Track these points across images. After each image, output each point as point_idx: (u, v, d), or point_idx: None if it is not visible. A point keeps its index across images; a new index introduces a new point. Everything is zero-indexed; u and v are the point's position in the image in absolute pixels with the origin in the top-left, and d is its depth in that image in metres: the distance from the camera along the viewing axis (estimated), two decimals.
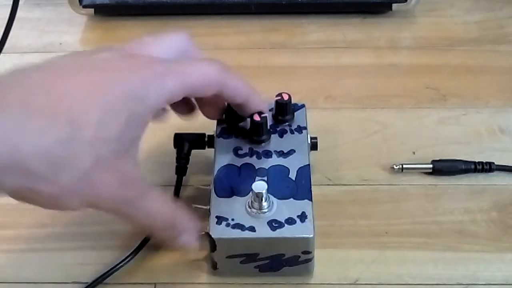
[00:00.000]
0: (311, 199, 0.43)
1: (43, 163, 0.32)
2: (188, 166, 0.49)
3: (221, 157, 0.46)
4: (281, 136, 0.48)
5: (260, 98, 0.44)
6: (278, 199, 0.43)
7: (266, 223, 0.42)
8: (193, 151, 0.50)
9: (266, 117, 0.46)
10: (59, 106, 0.32)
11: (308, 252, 0.43)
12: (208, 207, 0.43)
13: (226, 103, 0.46)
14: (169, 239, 0.42)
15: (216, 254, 0.43)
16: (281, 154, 0.46)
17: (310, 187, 0.44)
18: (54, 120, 0.32)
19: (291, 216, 0.42)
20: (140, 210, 0.38)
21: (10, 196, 0.34)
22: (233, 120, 0.47)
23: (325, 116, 0.57)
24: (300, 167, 0.45)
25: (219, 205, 0.43)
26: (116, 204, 0.37)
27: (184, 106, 0.44)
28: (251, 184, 0.42)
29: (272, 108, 0.49)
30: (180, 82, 0.37)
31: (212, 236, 0.41)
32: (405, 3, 0.66)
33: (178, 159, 0.49)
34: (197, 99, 0.44)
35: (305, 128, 0.48)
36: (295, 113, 0.49)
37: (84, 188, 0.34)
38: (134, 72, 0.35)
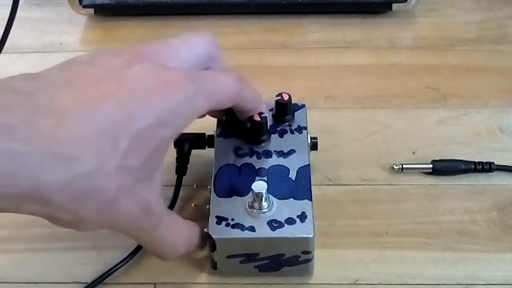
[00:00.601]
0: (311, 199, 0.43)
1: (65, 195, 0.31)
2: (188, 166, 0.49)
3: (221, 157, 0.46)
4: (281, 136, 0.48)
5: (264, 107, 0.45)
6: (278, 199, 0.43)
7: (266, 223, 0.42)
8: (193, 151, 0.50)
9: (266, 117, 0.46)
10: (88, 136, 0.31)
11: (308, 252, 0.43)
12: (208, 207, 0.43)
13: None
14: (176, 255, 0.41)
15: (216, 254, 0.43)
16: (281, 154, 0.46)
17: (310, 187, 0.44)
18: (82, 151, 0.31)
19: (291, 216, 0.42)
20: (157, 236, 0.38)
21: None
22: (233, 120, 0.47)
23: (325, 116, 0.57)
24: (300, 167, 0.45)
25: (219, 205, 0.43)
26: (131, 231, 0.37)
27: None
28: (251, 184, 0.42)
29: (272, 108, 0.49)
30: (208, 101, 0.37)
31: (212, 236, 0.41)
32: (405, 3, 0.66)
33: (178, 159, 0.49)
34: None
35: (305, 128, 0.48)
36: (295, 113, 0.49)
37: (102, 218, 0.33)
38: (167, 96, 0.34)
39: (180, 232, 0.41)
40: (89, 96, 0.32)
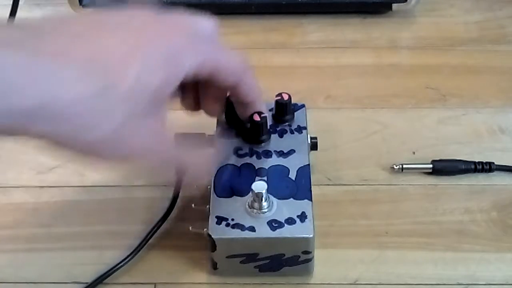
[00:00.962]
0: (311, 199, 0.43)
1: (83, 112, 0.32)
2: None
3: (221, 157, 0.46)
4: (281, 136, 0.48)
5: (264, 106, 0.45)
6: (278, 199, 0.43)
7: (266, 223, 0.42)
8: None
9: (266, 117, 0.46)
10: (99, 57, 0.32)
11: (308, 252, 0.43)
12: (208, 207, 0.43)
13: (225, 102, 0.45)
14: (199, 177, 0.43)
15: (216, 254, 0.43)
16: (281, 154, 0.46)
17: (310, 187, 0.44)
18: (94, 70, 0.32)
19: (291, 216, 0.42)
20: (170, 161, 0.39)
21: (42, 142, 0.33)
22: (233, 120, 0.47)
23: (325, 116, 0.57)
24: (300, 167, 0.45)
25: (219, 205, 0.43)
26: (147, 157, 0.37)
27: (193, 98, 0.44)
28: (251, 184, 0.42)
29: (272, 108, 0.49)
30: (211, 56, 0.38)
31: (212, 236, 0.41)
32: (405, 3, 0.66)
33: None
34: (200, 92, 0.44)
35: (305, 128, 0.48)
36: (295, 113, 0.49)
37: (118, 139, 0.34)
38: (174, 36, 0.36)
39: (196, 157, 0.42)
40: (99, 26, 0.34)
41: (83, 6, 0.67)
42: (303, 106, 0.50)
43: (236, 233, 0.41)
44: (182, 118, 0.54)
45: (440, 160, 0.52)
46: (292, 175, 0.45)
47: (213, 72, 0.38)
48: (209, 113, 0.45)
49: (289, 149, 0.47)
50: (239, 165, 0.46)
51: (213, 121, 0.48)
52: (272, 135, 0.47)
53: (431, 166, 0.51)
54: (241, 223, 0.42)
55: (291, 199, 0.43)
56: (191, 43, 0.37)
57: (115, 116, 0.33)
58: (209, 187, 0.45)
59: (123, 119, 0.33)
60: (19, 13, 0.57)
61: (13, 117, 0.30)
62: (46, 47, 0.31)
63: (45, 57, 0.31)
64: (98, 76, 0.32)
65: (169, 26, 0.37)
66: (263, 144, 0.47)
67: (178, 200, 0.48)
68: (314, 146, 0.48)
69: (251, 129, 0.47)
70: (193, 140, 0.45)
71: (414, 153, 0.53)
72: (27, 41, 0.31)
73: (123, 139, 0.34)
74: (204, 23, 0.40)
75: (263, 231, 0.41)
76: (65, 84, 0.31)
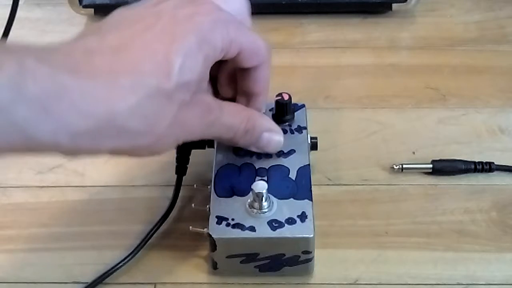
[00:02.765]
0: (311, 199, 0.43)
1: (137, 118, 0.34)
2: (188, 166, 0.49)
3: (221, 157, 0.46)
4: None
5: (264, 104, 0.45)
6: (278, 199, 0.43)
7: (266, 223, 0.42)
8: (193, 151, 0.50)
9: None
10: (143, 62, 0.34)
11: (308, 252, 0.43)
12: (208, 207, 0.43)
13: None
14: (254, 142, 0.43)
15: (216, 254, 0.43)
16: (281, 154, 0.46)
17: (310, 187, 0.44)
18: (141, 76, 0.34)
19: (291, 216, 0.42)
20: (223, 126, 0.40)
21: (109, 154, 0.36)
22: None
23: (325, 116, 0.57)
24: (300, 167, 0.45)
25: (219, 205, 0.43)
26: (203, 131, 0.39)
27: (231, 85, 0.44)
28: (251, 184, 0.42)
29: (272, 108, 0.49)
30: (240, 34, 0.39)
31: (212, 236, 0.41)
32: (405, 3, 0.66)
33: (178, 159, 0.49)
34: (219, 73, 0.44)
35: (305, 128, 0.48)
36: (295, 113, 0.49)
37: (176, 130, 0.36)
38: (203, 17, 0.37)
39: (241, 111, 0.42)
40: (135, 30, 0.35)
41: (83, 6, 0.67)
42: (303, 106, 0.50)
43: (236, 233, 0.41)
44: None
45: (440, 160, 0.52)
46: (292, 175, 0.45)
47: (242, 52, 0.39)
48: (226, 95, 0.45)
49: (289, 149, 0.47)
50: (239, 165, 0.46)
51: None
52: None
53: (431, 166, 0.51)
54: (241, 223, 0.42)
55: (291, 199, 0.43)
56: (220, 19, 0.38)
57: (168, 113, 0.35)
58: (209, 187, 0.45)
59: (175, 114, 0.35)
60: (19, 13, 0.57)
61: (87, 137, 0.33)
62: (97, 65, 0.33)
63: (98, 76, 0.33)
64: (146, 82, 0.34)
65: (198, 6, 0.38)
66: None
67: (178, 200, 0.48)
68: (314, 146, 0.48)
69: None
70: None
71: (414, 153, 0.53)
72: (81, 65, 0.33)
73: (178, 127, 0.36)
74: (235, 2, 0.41)
75: (263, 231, 0.41)
76: (120, 100, 0.33)
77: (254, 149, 0.45)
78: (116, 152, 0.36)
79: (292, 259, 0.43)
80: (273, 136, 0.44)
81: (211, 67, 0.39)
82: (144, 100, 0.34)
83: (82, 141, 0.33)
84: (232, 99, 0.44)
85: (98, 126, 0.33)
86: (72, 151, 0.34)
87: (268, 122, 0.44)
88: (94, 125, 0.32)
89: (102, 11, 0.67)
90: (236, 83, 0.44)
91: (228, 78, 0.44)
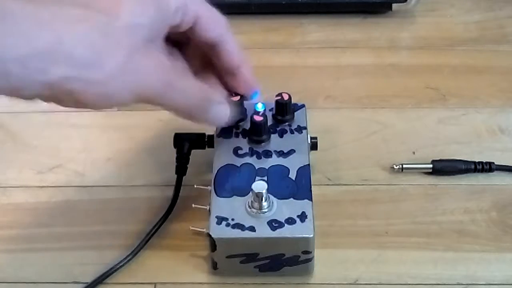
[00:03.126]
0: (311, 199, 0.43)
1: (87, 49, 0.33)
2: (188, 166, 0.49)
3: (221, 157, 0.46)
4: (281, 136, 0.48)
5: (251, 72, 0.45)
6: (278, 199, 0.43)
7: (266, 223, 0.42)
8: (193, 151, 0.50)
9: (266, 116, 0.46)
10: (92, 1, 0.34)
11: (308, 252, 0.43)
12: (208, 207, 0.43)
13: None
14: (206, 115, 0.42)
15: (216, 254, 0.43)
16: (281, 154, 0.46)
17: (310, 187, 0.44)
18: (91, 12, 0.34)
19: (291, 216, 0.42)
20: (181, 92, 0.40)
21: (61, 97, 0.35)
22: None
23: (325, 116, 0.57)
24: (300, 167, 0.45)
25: (219, 205, 0.43)
26: (159, 89, 0.38)
27: (199, 56, 0.44)
28: (251, 184, 0.42)
29: (272, 108, 0.49)
30: (195, 2, 0.40)
31: (212, 236, 0.41)
32: (405, 3, 0.66)
33: (178, 159, 0.49)
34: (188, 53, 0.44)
35: (305, 128, 0.48)
36: (295, 113, 0.49)
37: (128, 74, 0.36)
38: None
39: (196, 82, 0.42)
40: None
41: None
42: (303, 106, 0.50)
43: (236, 233, 0.41)
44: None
45: (440, 160, 0.52)
46: (292, 175, 0.45)
47: (197, 21, 0.40)
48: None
49: (289, 149, 0.47)
50: (239, 165, 0.46)
51: None
52: (272, 135, 0.47)
53: (431, 166, 0.51)
54: (241, 223, 0.42)
55: (291, 199, 0.43)
56: None
57: (118, 51, 0.35)
58: (209, 187, 0.45)
59: (126, 54, 0.35)
60: None
61: (31, 61, 0.32)
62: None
63: (46, 6, 0.33)
64: (95, 16, 0.34)
65: None
66: (263, 144, 0.47)
67: (178, 200, 0.48)
68: (314, 146, 0.48)
69: (251, 129, 0.47)
70: None
71: (414, 153, 0.53)
72: None
73: (131, 74, 0.36)
74: None
75: (263, 231, 0.41)
76: (68, 26, 0.33)
77: (203, 123, 0.44)
78: (67, 87, 0.34)
79: (292, 259, 0.43)
80: (221, 110, 0.43)
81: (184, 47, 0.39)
82: (92, 31, 0.34)
83: (30, 66, 0.32)
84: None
85: (44, 50, 0.32)
86: (21, 81, 0.33)
87: (220, 96, 0.44)
88: (40, 49, 0.32)
89: None
90: (209, 67, 0.44)
91: (198, 60, 0.44)
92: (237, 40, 0.43)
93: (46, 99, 0.35)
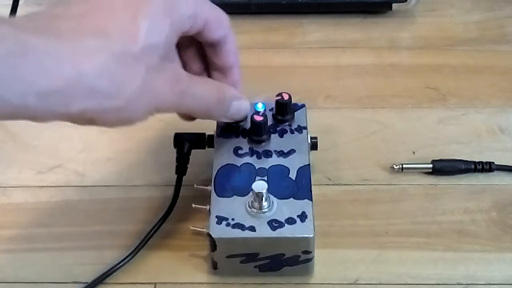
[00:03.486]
0: (311, 199, 0.43)
1: (105, 79, 0.34)
2: (188, 166, 0.49)
3: (221, 157, 0.46)
4: (281, 136, 0.48)
5: (240, 75, 0.45)
6: (278, 199, 0.43)
7: (266, 223, 0.42)
8: (193, 151, 0.50)
9: (266, 116, 0.46)
10: (108, 25, 0.34)
11: (308, 252, 0.43)
12: (208, 207, 0.43)
13: None
14: (226, 112, 0.43)
15: (216, 254, 0.43)
16: (281, 154, 0.46)
17: (310, 187, 0.44)
18: (107, 38, 0.34)
19: (291, 216, 0.42)
20: (195, 96, 0.40)
21: (79, 123, 0.35)
22: (233, 120, 0.47)
23: (325, 116, 0.57)
24: (300, 167, 0.45)
25: (219, 205, 0.43)
26: (176, 102, 0.39)
27: (198, 59, 0.44)
28: (251, 184, 0.42)
29: (272, 108, 0.49)
30: (203, 4, 0.40)
31: (212, 235, 0.41)
32: (405, 3, 0.66)
33: (178, 159, 0.49)
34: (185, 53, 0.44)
35: (305, 128, 0.48)
36: (295, 113, 0.49)
37: (146, 95, 0.36)
38: None
39: (209, 82, 0.43)
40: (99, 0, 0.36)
41: None
42: (303, 106, 0.50)
43: (236, 233, 0.41)
44: None
45: (440, 160, 0.52)
46: (292, 175, 0.45)
47: (205, 24, 0.40)
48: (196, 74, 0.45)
49: (289, 149, 0.47)
50: (239, 165, 0.46)
51: (213, 121, 0.48)
52: (272, 135, 0.47)
53: (431, 166, 0.51)
54: (241, 223, 0.42)
55: (291, 199, 0.43)
56: None
57: (135, 77, 0.35)
58: (209, 187, 0.45)
59: (142, 77, 0.35)
60: (19, 13, 0.57)
61: (56, 97, 0.32)
62: (63, 28, 0.33)
63: (64, 38, 0.33)
64: (113, 44, 0.34)
65: None
66: (263, 144, 0.47)
67: (178, 200, 0.48)
68: (314, 146, 0.48)
69: (251, 129, 0.47)
70: None
71: (414, 153, 0.53)
72: (45, 27, 0.33)
73: (147, 94, 0.36)
74: None
75: (263, 231, 0.41)
76: (87, 59, 0.33)
77: (224, 120, 0.45)
78: (86, 116, 0.35)
79: (292, 259, 0.43)
80: (242, 104, 0.44)
81: (182, 47, 0.40)
82: (110, 62, 0.34)
83: (50, 101, 0.32)
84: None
85: (65, 86, 0.32)
86: (41, 113, 0.33)
87: (234, 91, 0.44)
88: (62, 85, 0.32)
89: None
90: (204, 64, 0.44)
91: (198, 60, 0.44)
92: (236, 40, 0.43)
93: (63, 121, 0.35)
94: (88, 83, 0.33)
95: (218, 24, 0.41)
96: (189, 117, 0.44)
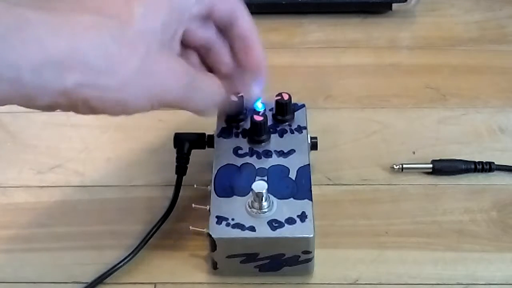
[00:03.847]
0: (311, 199, 0.43)
1: (101, 57, 0.33)
2: (188, 166, 0.49)
3: (221, 157, 0.46)
4: (281, 136, 0.48)
5: (262, 50, 0.44)
6: (278, 199, 0.43)
7: (266, 223, 0.42)
8: (193, 151, 0.50)
9: (266, 116, 0.46)
10: (105, 6, 0.34)
11: (308, 252, 0.43)
12: (208, 207, 0.43)
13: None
14: (230, 105, 0.44)
15: (216, 254, 0.43)
16: (281, 154, 0.46)
17: (310, 187, 0.44)
18: (104, 18, 0.34)
19: (291, 216, 0.42)
20: (200, 91, 0.40)
21: (78, 108, 0.35)
22: (233, 120, 0.47)
23: (325, 116, 0.57)
24: (300, 167, 0.45)
25: (219, 205, 0.43)
26: (180, 93, 0.38)
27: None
28: (251, 184, 0.42)
29: (272, 108, 0.49)
30: None
31: (212, 236, 0.41)
32: (405, 3, 0.66)
33: (178, 159, 0.49)
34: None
35: (305, 128, 0.48)
36: (295, 113, 0.49)
37: (143, 79, 0.35)
38: None
39: (212, 81, 0.42)
40: None
41: None
42: (303, 106, 0.50)
43: (236, 233, 0.41)
44: (181, 117, 0.55)
45: (440, 160, 0.52)
46: (292, 175, 0.45)
47: (213, 8, 0.40)
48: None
49: (289, 149, 0.47)
50: (239, 165, 0.46)
51: (213, 121, 0.48)
52: (272, 135, 0.47)
53: (431, 166, 0.51)
54: (241, 223, 0.42)
55: (291, 199, 0.43)
56: None
57: (131, 57, 0.35)
58: (209, 187, 0.45)
59: (139, 60, 0.35)
60: None
61: (51, 71, 0.32)
62: (59, 6, 0.33)
63: (60, 13, 0.33)
64: (108, 22, 0.34)
65: None
66: (263, 144, 0.47)
67: (178, 200, 0.48)
68: (314, 146, 0.48)
69: (251, 129, 0.47)
70: None
71: (414, 153, 0.53)
72: (42, 3, 0.33)
73: (146, 79, 0.36)
74: None
75: (263, 231, 0.41)
76: (82, 34, 0.33)
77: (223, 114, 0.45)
78: (82, 95, 0.34)
79: (292, 259, 0.43)
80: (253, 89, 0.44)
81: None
82: (106, 39, 0.33)
83: (44, 74, 0.32)
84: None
85: (60, 58, 0.32)
86: (35, 89, 0.33)
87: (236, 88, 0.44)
88: (57, 57, 0.32)
89: None
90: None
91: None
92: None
93: (62, 108, 0.35)
94: (83, 57, 0.33)
95: (224, 12, 0.41)
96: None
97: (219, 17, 0.41)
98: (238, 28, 0.42)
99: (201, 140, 0.49)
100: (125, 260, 0.45)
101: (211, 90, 0.41)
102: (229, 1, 0.41)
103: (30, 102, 0.33)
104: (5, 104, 0.33)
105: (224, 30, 0.42)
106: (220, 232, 0.42)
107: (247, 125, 0.47)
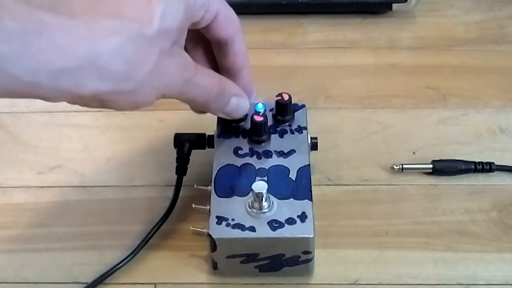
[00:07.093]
0: (311, 199, 0.43)
1: (119, 61, 0.34)
2: (188, 166, 0.49)
3: (221, 157, 0.46)
4: (281, 136, 0.48)
5: (250, 77, 0.45)
6: (278, 199, 0.43)
7: (266, 223, 0.42)
8: (193, 151, 0.50)
9: (266, 116, 0.46)
10: (124, 7, 0.34)
11: (308, 252, 0.43)
12: (208, 207, 0.43)
13: None
14: (223, 107, 0.43)
15: (216, 254, 0.43)
16: (281, 154, 0.46)
17: (310, 187, 0.44)
18: (122, 20, 0.34)
19: (291, 216, 0.42)
20: (198, 86, 0.40)
21: (90, 105, 0.35)
22: (233, 120, 0.47)
23: (325, 116, 0.57)
24: (300, 167, 0.45)
25: (219, 205, 0.43)
26: (181, 88, 0.39)
27: (206, 59, 0.45)
28: (251, 184, 0.42)
29: (272, 108, 0.49)
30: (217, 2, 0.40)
31: (212, 236, 0.41)
32: (405, 3, 0.66)
33: (178, 159, 0.49)
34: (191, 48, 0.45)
35: (305, 128, 0.48)
36: (295, 113, 0.49)
37: (156, 79, 0.36)
38: None
39: (213, 74, 0.42)
40: None
41: None
42: (303, 106, 0.50)
43: (236, 233, 0.41)
44: (181, 117, 0.55)
45: (440, 160, 0.52)
46: (293, 175, 0.45)
47: (216, 18, 0.40)
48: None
49: (290, 149, 0.47)
50: (239, 165, 0.46)
51: (213, 121, 0.48)
52: (272, 135, 0.47)
53: (431, 166, 0.51)
54: (241, 223, 0.42)
55: (291, 199, 0.43)
56: None
57: (148, 60, 0.35)
58: (209, 187, 0.45)
59: (154, 61, 0.35)
60: None
61: (69, 76, 0.32)
62: (77, 8, 0.33)
63: (79, 17, 0.32)
64: (128, 26, 0.34)
65: None
66: (263, 144, 0.47)
67: (178, 200, 0.48)
68: (314, 146, 0.48)
69: (251, 129, 0.47)
70: None
71: (414, 153, 0.53)
72: (60, 6, 0.32)
73: (157, 78, 0.36)
74: None
75: (264, 231, 0.41)
76: (103, 40, 0.33)
77: (221, 115, 0.45)
78: (98, 98, 0.35)
79: (292, 259, 0.43)
80: (241, 101, 0.44)
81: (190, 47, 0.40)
82: (126, 43, 0.33)
83: (62, 80, 0.32)
84: None
85: (79, 65, 0.32)
86: (52, 92, 0.33)
87: (236, 87, 0.44)
88: (75, 64, 0.32)
89: None
90: (211, 66, 0.44)
91: (206, 60, 0.44)
92: (245, 42, 0.43)
93: (72, 104, 0.35)
94: (102, 64, 0.33)
95: (228, 21, 0.41)
96: (202, 111, 0.44)
97: (215, 36, 0.42)
98: (230, 56, 0.43)
99: (201, 140, 0.49)
100: (125, 260, 0.45)
101: (210, 86, 0.41)
102: (231, 28, 0.42)
103: (46, 100, 0.34)
104: (14, 98, 0.33)
105: (216, 45, 0.43)
106: (220, 232, 0.42)
107: (247, 125, 0.47)
